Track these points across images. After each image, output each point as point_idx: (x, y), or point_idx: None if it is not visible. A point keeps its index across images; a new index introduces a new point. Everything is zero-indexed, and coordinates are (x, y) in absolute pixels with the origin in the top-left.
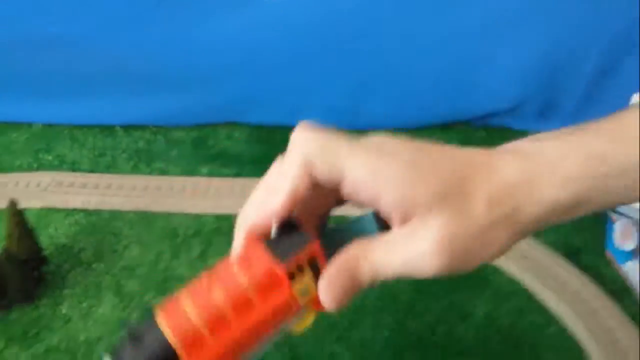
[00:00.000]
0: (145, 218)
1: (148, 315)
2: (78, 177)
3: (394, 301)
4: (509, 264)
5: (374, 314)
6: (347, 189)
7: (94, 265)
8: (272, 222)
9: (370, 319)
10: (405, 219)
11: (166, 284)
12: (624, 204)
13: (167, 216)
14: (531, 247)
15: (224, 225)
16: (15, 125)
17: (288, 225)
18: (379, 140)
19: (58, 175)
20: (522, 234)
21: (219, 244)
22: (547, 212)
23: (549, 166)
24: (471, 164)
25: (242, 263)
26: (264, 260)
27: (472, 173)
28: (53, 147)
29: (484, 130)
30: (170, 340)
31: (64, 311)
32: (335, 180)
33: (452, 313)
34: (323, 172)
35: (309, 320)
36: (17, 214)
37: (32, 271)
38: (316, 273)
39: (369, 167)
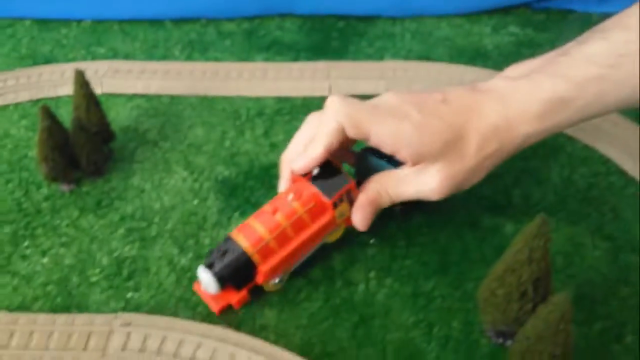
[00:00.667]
0: (206, 101)
1: (227, 238)
2: (135, 65)
3: None
4: (582, 134)
5: None
6: (372, 144)
7: (160, 144)
8: (312, 165)
9: None
10: (416, 164)
11: (234, 159)
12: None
13: (228, 99)
14: (604, 119)
15: (285, 106)
16: (64, 22)
17: (327, 166)
18: (393, 103)
19: (115, 64)
20: (504, 159)
21: (281, 123)
22: (523, 142)
23: (522, 108)
24: (464, 112)
25: (295, 196)
26: (315, 195)
27: (465, 120)
28: (105, 41)
29: (545, 13)
30: (246, 250)
31: (135, 183)
32: (362, 138)
33: (528, 178)
34: (352, 134)
35: (340, 233)
36: (84, 85)
37: (102, 144)
38: (350, 201)
39: (388, 131)
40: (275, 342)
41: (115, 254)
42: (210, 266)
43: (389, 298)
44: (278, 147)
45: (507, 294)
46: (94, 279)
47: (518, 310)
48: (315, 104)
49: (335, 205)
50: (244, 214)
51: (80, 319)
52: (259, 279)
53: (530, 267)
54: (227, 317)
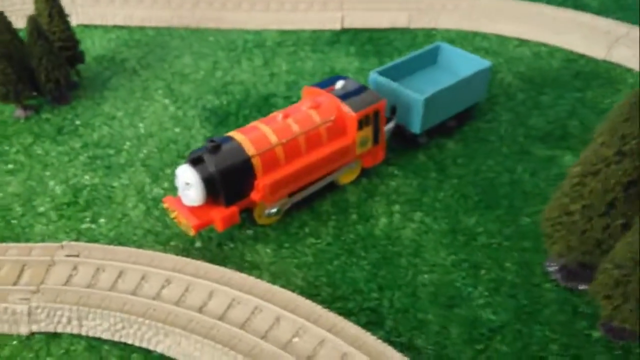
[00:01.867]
0: (198, 33)
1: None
2: None
3: (512, 99)
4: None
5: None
6: None
7: (140, 72)
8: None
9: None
10: None
11: (227, 88)
12: None
13: (223, 32)
14: None
15: (289, 38)
16: None
17: (353, 82)
18: None
19: None
20: None
21: (283, 54)
22: None
23: None
24: None
25: (316, 107)
26: (337, 107)
27: None
28: None
29: None
30: (246, 149)
31: (106, 110)
32: None
33: (583, 108)
34: None
35: (354, 174)
36: None
37: (67, 65)
38: (376, 128)
39: None
40: (271, 283)
41: (72, 182)
42: (195, 162)
43: (419, 234)
44: (280, 77)
45: (586, 209)
46: (41, 208)
47: (603, 229)
48: (325, 37)
49: (360, 125)
50: None
51: (16, 249)
52: (256, 194)
53: (621, 166)
54: (207, 251)
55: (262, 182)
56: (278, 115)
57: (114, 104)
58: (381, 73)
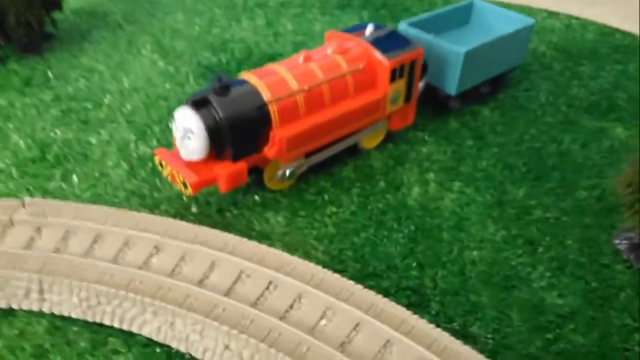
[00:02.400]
0: None
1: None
2: None
3: (548, 69)
4: None
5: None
6: None
7: (124, 26)
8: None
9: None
10: None
11: (226, 45)
12: None
13: None
14: None
15: (294, 0)
16: None
17: (385, 28)
18: None
19: None
20: None
21: (288, 15)
22: None
23: None
24: None
25: (343, 52)
26: (367, 52)
27: None
28: None
29: None
30: (262, 93)
31: (85, 63)
32: None
33: (628, 81)
34: None
35: (379, 138)
36: None
37: (41, 8)
38: (410, 81)
39: None
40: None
41: (39, 136)
42: (198, 105)
43: (460, 206)
44: (286, 37)
45: None
46: (0, 165)
47: None
48: (336, 0)
49: (393, 76)
50: None
51: None
52: (271, 149)
53: None
54: (206, 217)
55: (279, 134)
56: (299, 57)
57: (93, 57)
58: (412, 25)
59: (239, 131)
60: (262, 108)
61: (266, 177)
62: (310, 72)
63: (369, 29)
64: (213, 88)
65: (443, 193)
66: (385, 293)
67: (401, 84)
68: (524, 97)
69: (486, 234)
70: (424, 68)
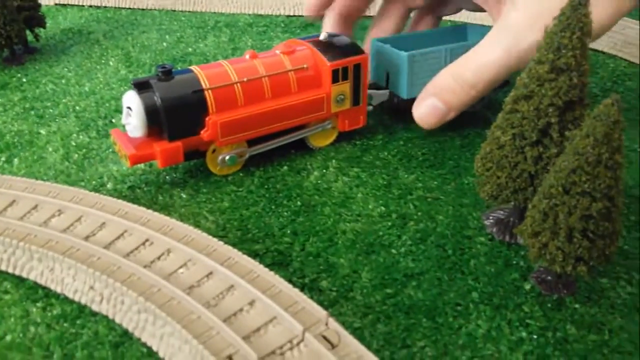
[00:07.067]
0: (171, 13)
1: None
2: None
3: None
4: None
5: None
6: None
7: (102, 42)
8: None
9: None
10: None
11: (187, 58)
12: None
13: (196, 14)
14: None
15: (261, 21)
16: None
17: (339, 37)
18: None
19: None
20: None
21: (252, 33)
22: None
23: None
24: None
25: (289, 53)
26: (312, 55)
27: None
28: None
29: None
30: (201, 81)
31: (57, 71)
32: None
33: None
34: None
35: (329, 138)
36: None
37: (23, 24)
38: (356, 84)
39: None
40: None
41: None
42: (139, 87)
43: (350, 187)
44: (242, 51)
45: (517, 138)
46: None
47: (535, 161)
48: (300, 21)
49: (335, 76)
50: None
51: None
52: (207, 132)
53: (556, 83)
54: (117, 192)
55: (215, 118)
56: (246, 54)
57: (66, 66)
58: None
59: (174, 113)
60: (199, 93)
61: (209, 159)
62: (252, 67)
63: (323, 36)
64: (157, 74)
65: (339, 177)
66: (255, 254)
67: (345, 86)
68: None
69: (365, 210)
70: (388, 77)
